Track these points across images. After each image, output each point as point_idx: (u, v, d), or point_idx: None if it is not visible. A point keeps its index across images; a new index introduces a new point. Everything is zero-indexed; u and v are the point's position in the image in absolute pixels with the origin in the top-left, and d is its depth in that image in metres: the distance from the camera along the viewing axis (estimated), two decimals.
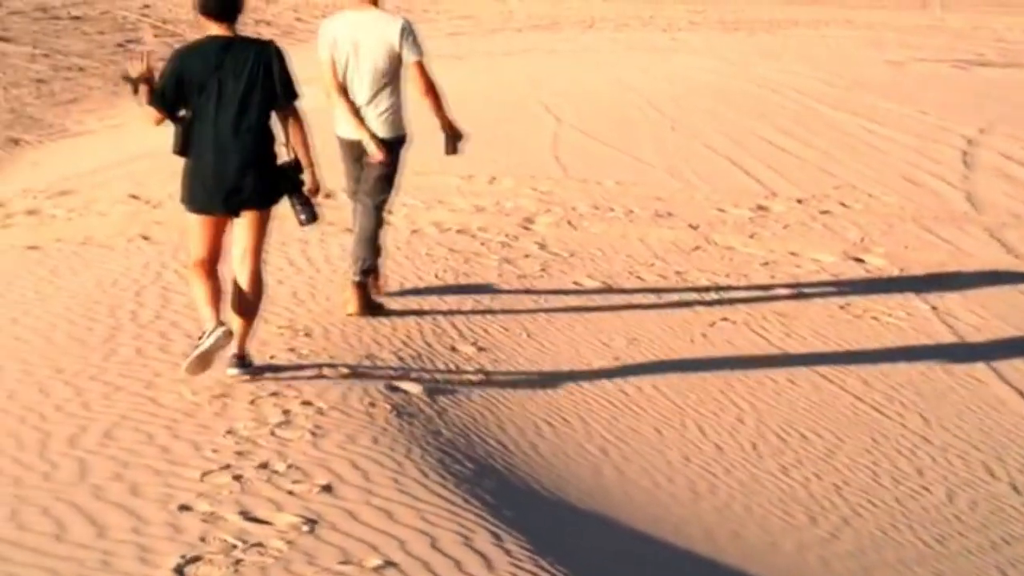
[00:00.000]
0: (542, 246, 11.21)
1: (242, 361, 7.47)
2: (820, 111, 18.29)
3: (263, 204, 7.35)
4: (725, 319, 9.80)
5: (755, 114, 17.86)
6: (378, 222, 8.85)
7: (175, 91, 7.22)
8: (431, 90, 8.65)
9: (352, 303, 8.82)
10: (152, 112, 7.28)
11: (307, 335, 8.36)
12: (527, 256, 10.87)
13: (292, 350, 8.05)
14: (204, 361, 7.28)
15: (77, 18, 26.91)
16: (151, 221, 11.60)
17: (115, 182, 13.72)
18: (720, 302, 10.16)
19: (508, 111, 17.78)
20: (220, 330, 7.23)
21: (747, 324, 9.73)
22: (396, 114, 8.72)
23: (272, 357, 7.85)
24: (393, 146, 8.72)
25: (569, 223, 12.04)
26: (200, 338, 7.36)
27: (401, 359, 8.17)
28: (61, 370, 7.77)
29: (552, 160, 14.93)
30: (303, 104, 7.40)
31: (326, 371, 7.68)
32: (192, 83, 7.21)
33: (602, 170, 14.41)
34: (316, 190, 7.43)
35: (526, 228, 11.77)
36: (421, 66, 8.61)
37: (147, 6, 28.24)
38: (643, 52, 23.41)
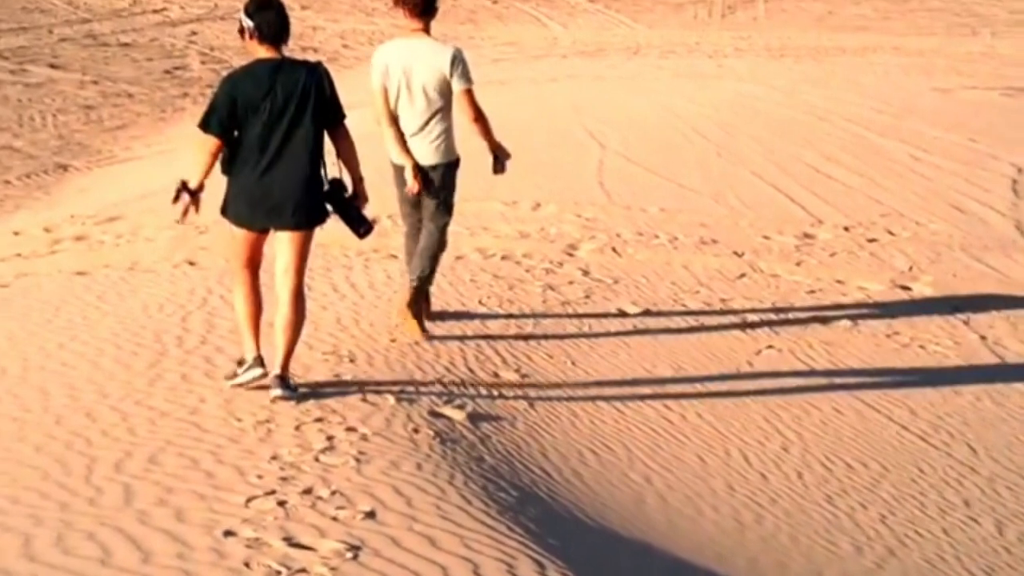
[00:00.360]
0: (586, 273, 11.19)
1: (285, 382, 7.51)
2: (867, 138, 18.21)
3: (308, 224, 7.49)
4: (770, 347, 9.76)
5: (801, 141, 17.80)
6: (442, 244, 9.02)
7: (230, 114, 7.37)
8: (480, 118, 8.83)
9: (405, 313, 8.87)
10: (208, 144, 7.41)
11: (351, 361, 8.37)
12: (571, 283, 10.86)
13: (336, 376, 8.06)
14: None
15: (126, 45, 27.13)
16: (197, 247, 11.65)
17: (162, 208, 13.77)
18: (765, 330, 10.11)
19: (552, 137, 17.78)
20: (258, 371, 7.54)
21: (792, 352, 9.68)
22: (448, 140, 8.88)
23: (316, 383, 7.86)
24: (448, 170, 8.90)
25: (613, 250, 12.02)
26: (239, 364, 7.62)
27: (444, 385, 8.17)
28: (107, 395, 7.81)
29: (596, 186, 14.92)
30: (355, 130, 7.52)
31: (370, 397, 7.69)
32: (245, 105, 7.35)
33: (647, 197, 14.39)
34: (366, 201, 7.63)
35: (570, 255, 11.76)
36: (470, 94, 8.79)
37: (194, 33, 28.44)
38: (688, 79, 23.38)
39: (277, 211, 7.42)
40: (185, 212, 7.43)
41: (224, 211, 7.54)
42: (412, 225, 9.10)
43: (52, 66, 24.91)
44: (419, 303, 8.96)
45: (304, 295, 7.65)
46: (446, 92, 8.79)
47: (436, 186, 8.86)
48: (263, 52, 7.48)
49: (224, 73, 26.06)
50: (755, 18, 32.29)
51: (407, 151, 8.80)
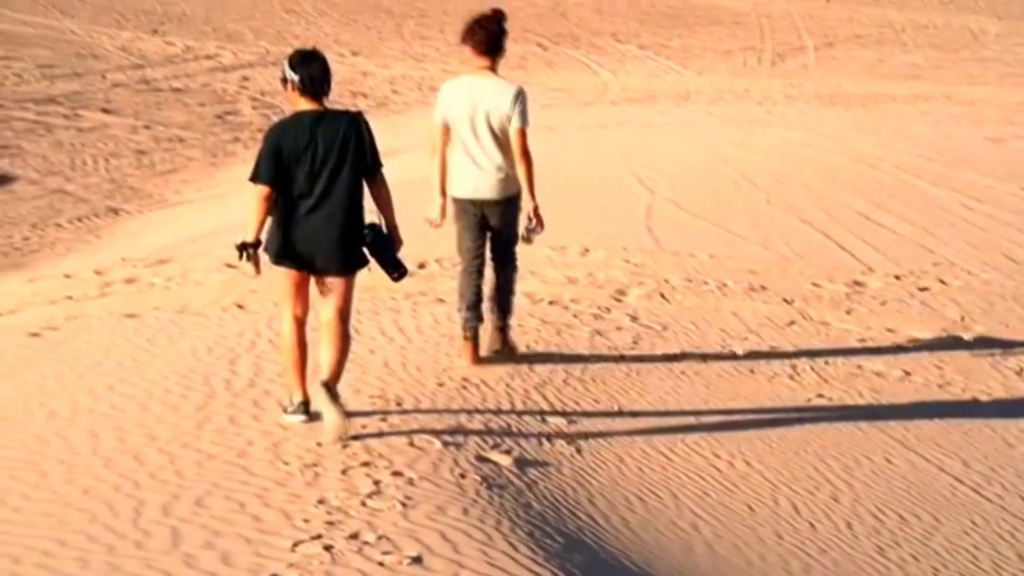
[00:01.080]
0: (634, 319, 11.15)
1: (331, 390, 7.58)
2: (918, 186, 18.11)
3: (349, 268, 7.73)
4: (820, 395, 9.68)
5: (851, 189, 17.72)
6: (515, 268, 9.40)
7: (275, 164, 7.58)
8: (526, 156, 9.00)
9: (495, 343, 9.35)
10: (260, 193, 7.62)
11: (398, 405, 8.36)
12: (619, 328, 10.82)
13: (383, 420, 8.05)
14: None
15: (178, 90, 27.37)
16: (246, 290, 11.69)
17: (212, 251, 13.86)
18: (815, 378, 10.03)
19: (601, 183, 17.78)
20: (301, 418, 7.80)
21: (843, 401, 9.60)
22: (511, 174, 9.05)
23: (363, 427, 7.86)
24: (511, 203, 9.13)
25: (662, 296, 11.98)
26: (286, 409, 7.93)
27: (491, 430, 8.14)
28: (155, 438, 7.82)
29: (645, 232, 14.90)
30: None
31: (417, 441, 7.67)
32: (288, 155, 7.56)
33: (695, 243, 14.35)
34: (400, 246, 7.84)
35: (618, 300, 11.73)
36: (523, 133, 9.01)
37: (246, 79, 28.66)
38: (738, 125, 23.36)
39: (319, 256, 7.64)
40: (256, 265, 7.65)
41: (268, 252, 7.72)
42: (472, 260, 9.25)
43: (105, 111, 25.17)
44: (508, 336, 9.43)
45: (350, 337, 7.83)
46: (508, 128, 9.01)
47: (501, 219, 9.13)
48: (304, 104, 7.68)
49: (275, 118, 26.28)
50: (805, 65, 32.27)
51: (444, 188, 9.04)
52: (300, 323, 7.77)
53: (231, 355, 9.54)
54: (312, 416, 7.74)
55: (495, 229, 9.17)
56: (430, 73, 30.06)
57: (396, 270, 7.81)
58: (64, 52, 29.93)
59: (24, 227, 18.21)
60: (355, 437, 7.60)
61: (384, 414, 8.16)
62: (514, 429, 8.25)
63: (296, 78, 7.60)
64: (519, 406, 8.68)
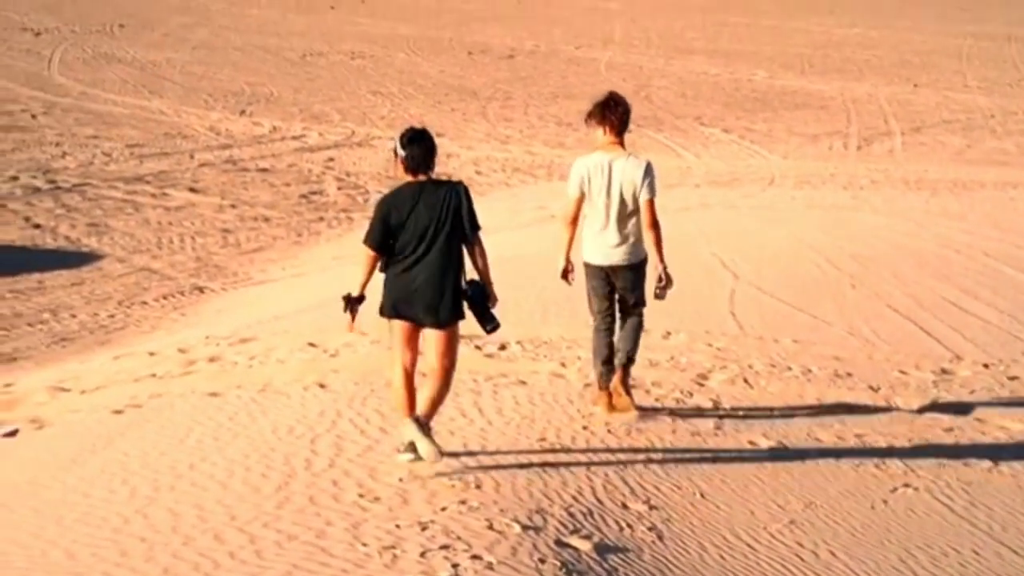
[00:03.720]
0: (716, 404, 11.04)
1: (424, 425, 8.50)
2: (1007, 274, 17.87)
3: (449, 321, 8.60)
4: (907, 485, 9.50)
5: (938, 275, 17.52)
6: (642, 325, 10.25)
7: (383, 232, 8.54)
8: (655, 225, 9.96)
9: (619, 390, 10.07)
10: (368, 256, 8.58)
11: (478, 487, 8.30)
12: (701, 413, 10.71)
13: (463, 502, 7.99)
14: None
15: (264, 170, 27.68)
16: (328, 369, 11.72)
17: (295, 330, 13.93)
18: (901, 467, 9.85)
19: (684, 266, 17.70)
20: (411, 456, 8.56)
21: (930, 491, 9.42)
22: (639, 240, 10.02)
23: (443, 509, 7.80)
24: (640, 267, 10.09)
25: (745, 381, 11.86)
26: (399, 449, 8.74)
27: (571, 514, 8.06)
28: (235, 517, 7.82)
29: (728, 316, 14.79)
30: (491, 253, 8.35)
31: (496, 525, 7.60)
32: (396, 222, 8.50)
33: (779, 328, 14.23)
34: (495, 301, 8.70)
35: (700, 384, 11.62)
36: (652, 204, 9.94)
37: (331, 159, 28.95)
38: (823, 210, 23.22)
39: (422, 310, 8.54)
40: (353, 317, 8.62)
41: (381, 309, 8.63)
42: (602, 319, 10.13)
43: (192, 190, 25.50)
44: (628, 380, 10.14)
45: (452, 377, 8.74)
46: (638, 199, 9.91)
47: (627, 282, 10.05)
48: (409, 176, 8.59)
49: (359, 199, 26.38)
50: (891, 150, 32.08)
51: (569, 250, 9.93)
52: (408, 371, 8.63)
53: (312, 434, 9.54)
54: (419, 456, 8.50)
55: (622, 291, 10.08)
56: (514, 155, 30.22)
57: (490, 323, 8.67)
58: (153, 132, 30.43)
59: (111, 304, 18.41)
60: (433, 520, 7.55)
61: (463, 496, 8.10)
62: (595, 514, 8.16)
63: (404, 155, 8.55)
64: (600, 490, 8.59)
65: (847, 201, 24.71)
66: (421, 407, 8.57)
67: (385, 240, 8.53)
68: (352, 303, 8.59)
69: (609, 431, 9.89)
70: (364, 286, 8.59)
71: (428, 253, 8.47)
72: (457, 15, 53.98)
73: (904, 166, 29.91)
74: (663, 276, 9.94)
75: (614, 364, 10.08)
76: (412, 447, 8.54)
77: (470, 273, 8.68)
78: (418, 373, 8.66)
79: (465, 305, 8.61)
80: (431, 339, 8.64)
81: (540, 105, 36.28)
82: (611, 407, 10.08)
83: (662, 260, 9.93)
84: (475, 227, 8.58)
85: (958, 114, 36.50)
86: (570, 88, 38.42)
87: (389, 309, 8.60)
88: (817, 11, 58.73)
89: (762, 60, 44.80)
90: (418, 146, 8.53)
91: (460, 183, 8.73)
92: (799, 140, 32.96)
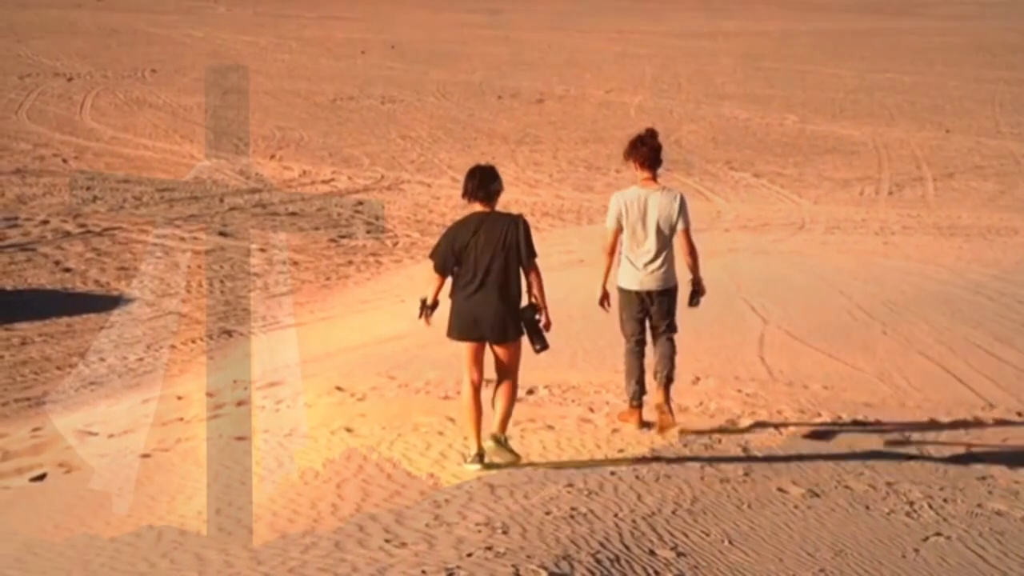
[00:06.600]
0: (745, 449, 10.95)
1: (498, 440, 9.73)
2: None
3: (509, 337, 9.67)
4: (939, 534, 9.38)
5: (971, 321, 17.39)
6: (675, 348, 11.10)
7: (447, 256, 9.64)
8: (693, 253, 10.98)
9: (662, 408, 10.94)
10: (435, 276, 9.71)
11: (504, 532, 8.24)
12: (730, 459, 10.62)
13: (489, 548, 7.93)
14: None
15: (293, 214, 27.77)
16: (355, 413, 11.69)
17: (323, 374, 13.91)
18: (933, 516, 9.74)
19: (713, 310, 17.62)
20: (478, 466, 9.65)
21: (962, 541, 9.30)
22: (672, 268, 10.95)
23: (469, 555, 7.74)
24: (673, 293, 11.00)
25: (774, 427, 11.76)
26: (466, 459, 9.82)
27: (598, 560, 7.98)
28: (262, 562, 7.77)
29: (757, 361, 14.71)
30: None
31: (523, 571, 7.53)
32: (459, 248, 9.59)
33: (809, 374, 14.13)
34: (549, 325, 9.75)
35: (729, 430, 11.53)
36: (687, 233, 10.96)
37: (360, 203, 29.03)
38: (854, 255, 23.13)
39: (485, 328, 9.60)
40: (428, 319, 9.72)
41: (449, 332, 9.72)
42: (635, 343, 11.01)
43: (222, 234, 25.59)
44: (669, 399, 10.97)
45: (518, 384, 9.89)
46: (672, 230, 10.83)
47: (660, 307, 10.92)
48: (477, 207, 9.70)
49: (388, 243, 26.39)
50: (923, 196, 31.98)
51: (606, 278, 10.74)
52: (476, 387, 9.72)
53: (338, 479, 9.51)
54: (486, 465, 9.65)
55: (655, 315, 10.95)
56: (543, 198, 30.23)
57: (540, 343, 9.67)
58: (183, 175, 30.56)
59: (139, 348, 18.44)
60: (459, 566, 7.48)
61: (489, 541, 8.04)
62: (622, 560, 8.08)
63: (465, 187, 9.72)
64: (627, 536, 8.51)
65: (878, 247, 24.62)
66: (495, 426, 9.67)
67: (448, 263, 9.63)
68: (426, 308, 9.70)
69: (637, 477, 9.82)
70: (436, 294, 9.71)
71: (487, 277, 9.52)
72: (487, 60, 54.19)
73: (936, 212, 29.80)
74: (695, 282, 10.86)
75: (645, 385, 10.99)
76: (479, 457, 9.63)
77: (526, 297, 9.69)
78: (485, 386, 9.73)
79: (523, 323, 9.60)
80: (497, 355, 9.69)
81: (569, 149, 36.33)
82: (642, 424, 10.99)
83: (696, 272, 10.84)
84: (532, 255, 9.62)
85: (990, 159, 36.37)
86: (600, 132, 38.47)
87: (456, 332, 9.68)
88: (849, 56, 58.76)
89: (793, 105, 44.79)
90: (471, 177, 9.71)
91: (520, 216, 9.79)
92: (830, 185, 32.90)
